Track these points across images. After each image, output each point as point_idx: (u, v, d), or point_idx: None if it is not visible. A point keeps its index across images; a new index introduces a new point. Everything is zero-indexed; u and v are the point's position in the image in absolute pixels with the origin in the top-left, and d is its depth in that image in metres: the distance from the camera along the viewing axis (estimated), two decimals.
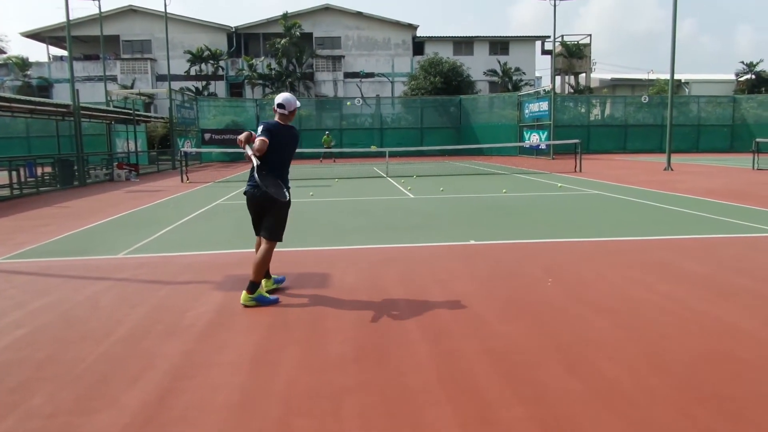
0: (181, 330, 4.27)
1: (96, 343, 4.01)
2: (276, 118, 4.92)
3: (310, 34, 47.39)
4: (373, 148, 29.58)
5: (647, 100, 39.31)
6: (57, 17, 79.85)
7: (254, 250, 5.14)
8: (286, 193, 4.77)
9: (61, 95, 40.98)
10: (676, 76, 21.99)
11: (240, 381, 3.37)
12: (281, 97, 4.89)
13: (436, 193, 13.66)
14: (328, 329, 4.24)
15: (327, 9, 48.24)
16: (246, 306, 4.78)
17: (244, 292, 4.82)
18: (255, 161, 4.64)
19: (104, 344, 3.99)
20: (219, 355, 3.78)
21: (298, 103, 4.97)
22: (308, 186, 15.81)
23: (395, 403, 3.05)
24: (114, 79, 44.17)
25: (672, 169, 20.10)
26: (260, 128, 4.76)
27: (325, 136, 31.76)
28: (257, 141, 4.63)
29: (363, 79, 47.60)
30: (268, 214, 4.88)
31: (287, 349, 3.87)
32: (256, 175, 4.65)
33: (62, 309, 4.86)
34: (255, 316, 4.60)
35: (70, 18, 19.83)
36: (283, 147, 4.82)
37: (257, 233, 5.06)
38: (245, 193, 4.95)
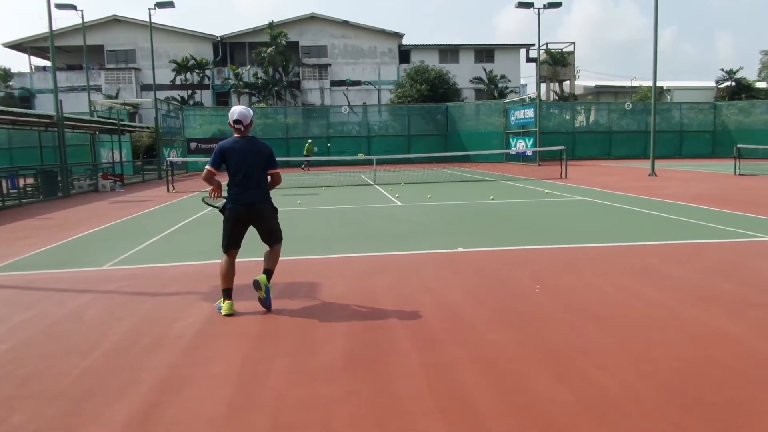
0: (167, 342, 4.21)
1: (81, 358, 3.94)
2: (234, 134, 4.96)
3: (296, 43, 47.43)
4: (361, 156, 29.59)
5: (630, 106, 39.76)
6: (39, 27, 79.21)
7: (221, 265, 4.93)
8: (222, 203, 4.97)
9: (44, 106, 40.60)
10: (658, 83, 22.26)
11: (228, 394, 3.32)
12: (236, 112, 4.88)
13: (423, 201, 13.68)
14: (317, 339, 4.21)
15: (313, 18, 48.34)
16: (259, 283, 4.79)
17: (263, 275, 4.89)
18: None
19: (89, 358, 3.93)
20: (207, 367, 3.74)
21: (251, 112, 5.00)
22: (296, 195, 15.76)
23: (385, 413, 3.03)
24: (98, 89, 43.88)
25: (656, 175, 20.32)
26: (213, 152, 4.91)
27: (307, 144, 31.70)
28: (204, 171, 4.87)
29: (350, 87, 47.69)
30: (268, 221, 4.99)
31: (276, 359, 3.83)
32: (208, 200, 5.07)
33: (46, 323, 4.78)
34: (243, 326, 4.56)
35: (53, 28, 19.68)
36: (244, 160, 4.82)
37: (237, 246, 4.99)
38: (233, 207, 4.87)
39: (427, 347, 3.99)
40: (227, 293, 4.87)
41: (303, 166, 31.32)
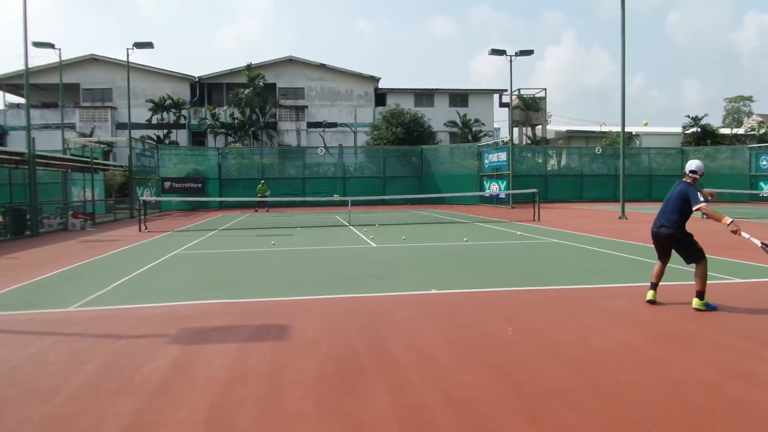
0: (133, 387, 4.10)
1: (41, 403, 3.80)
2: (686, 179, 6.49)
3: (274, 85, 47.97)
4: (336, 197, 29.64)
5: (601, 151, 40.86)
6: (15, 65, 78.63)
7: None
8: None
9: (16, 143, 40.11)
10: (627, 129, 22.98)
11: None
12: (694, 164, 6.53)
13: (398, 242, 13.71)
14: (287, 383, 4.13)
15: (291, 60, 49.08)
16: (698, 310, 6.06)
17: (695, 299, 6.12)
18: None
19: (50, 404, 3.79)
20: (173, 413, 3.63)
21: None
22: (270, 235, 15.66)
23: None
24: (72, 127, 43.51)
25: (626, 218, 20.74)
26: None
27: (260, 185, 31.12)
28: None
29: (326, 129, 48.16)
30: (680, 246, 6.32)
31: (245, 405, 3.75)
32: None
33: (6, 367, 4.62)
34: (212, 370, 4.46)
35: (30, 65, 19.63)
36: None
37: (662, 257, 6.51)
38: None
39: (399, 390, 3.95)
40: (653, 285, 6.47)
41: (263, 207, 30.64)
